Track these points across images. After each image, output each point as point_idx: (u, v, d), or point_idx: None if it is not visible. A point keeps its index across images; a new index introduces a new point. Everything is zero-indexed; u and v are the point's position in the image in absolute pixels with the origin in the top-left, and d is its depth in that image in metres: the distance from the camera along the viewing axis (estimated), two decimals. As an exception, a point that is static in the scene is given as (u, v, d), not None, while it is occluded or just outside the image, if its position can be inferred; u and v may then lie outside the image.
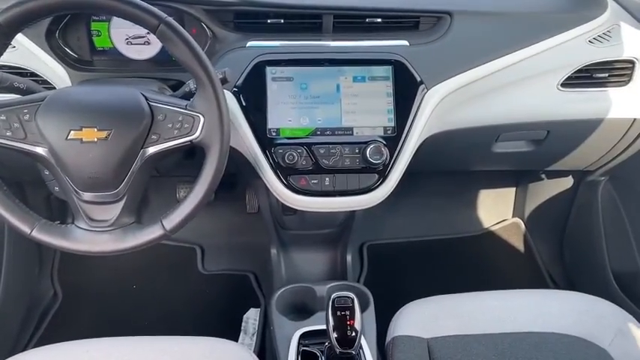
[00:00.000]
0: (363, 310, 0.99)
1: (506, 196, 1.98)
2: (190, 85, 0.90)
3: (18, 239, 1.48)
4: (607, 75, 1.16)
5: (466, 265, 1.81)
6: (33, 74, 1.04)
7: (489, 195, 1.97)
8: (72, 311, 1.64)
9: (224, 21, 1.07)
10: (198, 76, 0.80)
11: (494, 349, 0.97)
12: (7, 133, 0.80)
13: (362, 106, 1.03)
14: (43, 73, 1.04)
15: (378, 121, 1.03)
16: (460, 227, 1.94)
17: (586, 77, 1.16)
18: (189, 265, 1.79)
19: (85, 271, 1.72)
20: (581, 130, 1.26)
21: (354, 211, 1.33)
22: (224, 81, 0.88)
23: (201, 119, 0.81)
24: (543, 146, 1.29)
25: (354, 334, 0.90)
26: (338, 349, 0.90)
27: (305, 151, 1.01)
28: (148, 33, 0.99)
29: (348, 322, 0.91)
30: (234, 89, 1.01)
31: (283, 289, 1.26)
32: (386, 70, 1.04)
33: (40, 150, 0.81)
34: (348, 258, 1.50)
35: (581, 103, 1.17)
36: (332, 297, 0.94)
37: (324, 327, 0.93)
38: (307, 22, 1.09)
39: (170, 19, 0.78)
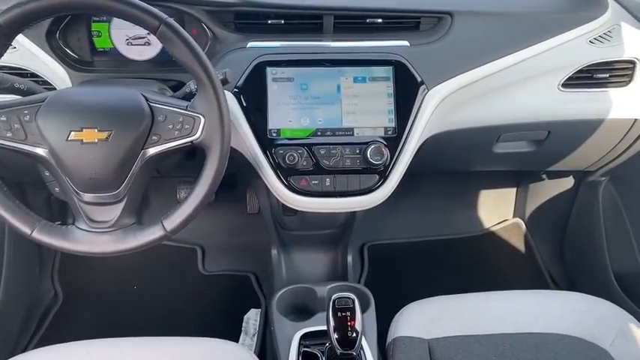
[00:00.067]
0: (363, 310, 0.99)
1: (507, 196, 1.97)
2: (191, 85, 0.90)
3: (18, 240, 1.48)
4: (608, 75, 1.16)
5: (467, 265, 1.81)
6: (33, 75, 1.04)
7: (490, 195, 1.97)
8: (72, 312, 1.64)
9: (224, 22, 1.07)
10: (198, 76, 0.80)
11: (495, 349, 0.97)
12: (8, 134, 0.80)
13: (362, 107, 1.03)
14: (44, 73, 1.04)
15: (378, 122, 1.03)
16: (461, 227, 1.94)
17: (587, 77, 1.16)
18: (189, 265, 1.79)
19: (86, 271, 1.72)
20: (581, 130, 1.26)
21: (354, 212, 1.33)
22: (224, 82, 0.88)
23: (202, 120, 0.81)
24: (544, 146, 1.29)
25: (354, 334, 0.90)
26: (339, 350, 0.89)
27: (305, 152, 1.01)
28: (149, 34, 1.00)
29: (349, 323, 0.90)
30: (235, 90, 1.01)
31: (284, 289, 1.25)
32: (386, 71, 1.04)
33: (41, 151, 0.81)
34: (349, 258, 1.50)
35: (581, 104, 1.17)
36: (332, 298, 0.94)
37: (324, 328, 0.93)
38: (308, 23, 1.09)
39: (170, 20, 0.77)
